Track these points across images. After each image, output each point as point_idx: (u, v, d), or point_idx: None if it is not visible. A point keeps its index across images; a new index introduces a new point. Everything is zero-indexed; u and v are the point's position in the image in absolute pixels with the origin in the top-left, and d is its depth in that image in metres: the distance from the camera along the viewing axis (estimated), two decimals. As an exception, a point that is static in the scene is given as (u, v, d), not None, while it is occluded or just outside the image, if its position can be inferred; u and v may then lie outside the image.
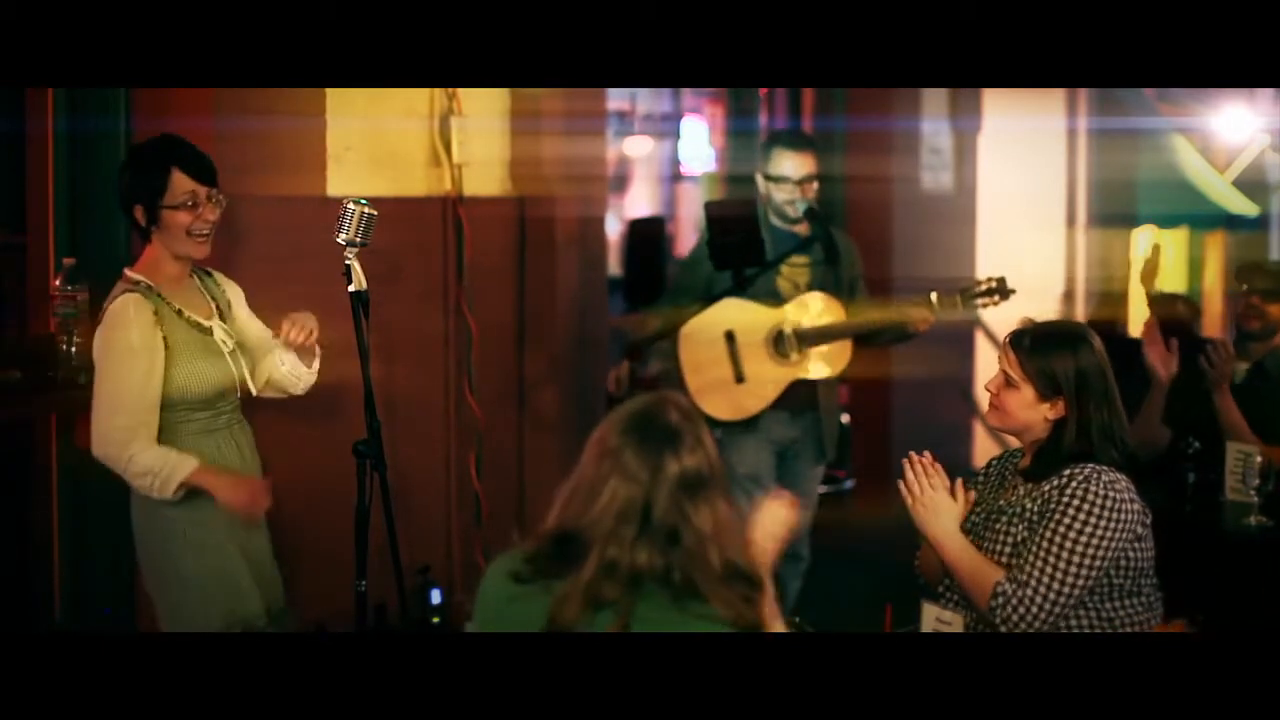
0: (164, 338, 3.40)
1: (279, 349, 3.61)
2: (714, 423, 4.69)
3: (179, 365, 3.42)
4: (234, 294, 3.66)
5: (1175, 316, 5.23)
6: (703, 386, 4.71)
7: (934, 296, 4.73)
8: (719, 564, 2.29)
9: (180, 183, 3.42)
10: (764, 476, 4.86)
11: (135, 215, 3.45)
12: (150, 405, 3.38)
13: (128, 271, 3.49)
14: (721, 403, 4.75)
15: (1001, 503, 3.13)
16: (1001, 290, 4.73)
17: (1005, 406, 3.12)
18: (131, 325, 3.37)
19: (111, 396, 3.37)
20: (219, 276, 3.67)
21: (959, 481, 3.12)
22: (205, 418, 3.47)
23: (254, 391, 3.60)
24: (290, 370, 3.64)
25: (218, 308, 3.59)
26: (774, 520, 2.64)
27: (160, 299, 3.44)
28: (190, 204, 3.43)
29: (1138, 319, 7.35)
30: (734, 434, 4.80)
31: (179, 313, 3.46)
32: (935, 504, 3.07)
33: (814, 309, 4.80)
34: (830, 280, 4.82)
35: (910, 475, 3.09)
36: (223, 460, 3.48)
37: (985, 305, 4.76)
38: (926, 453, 3.14)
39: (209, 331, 3.51)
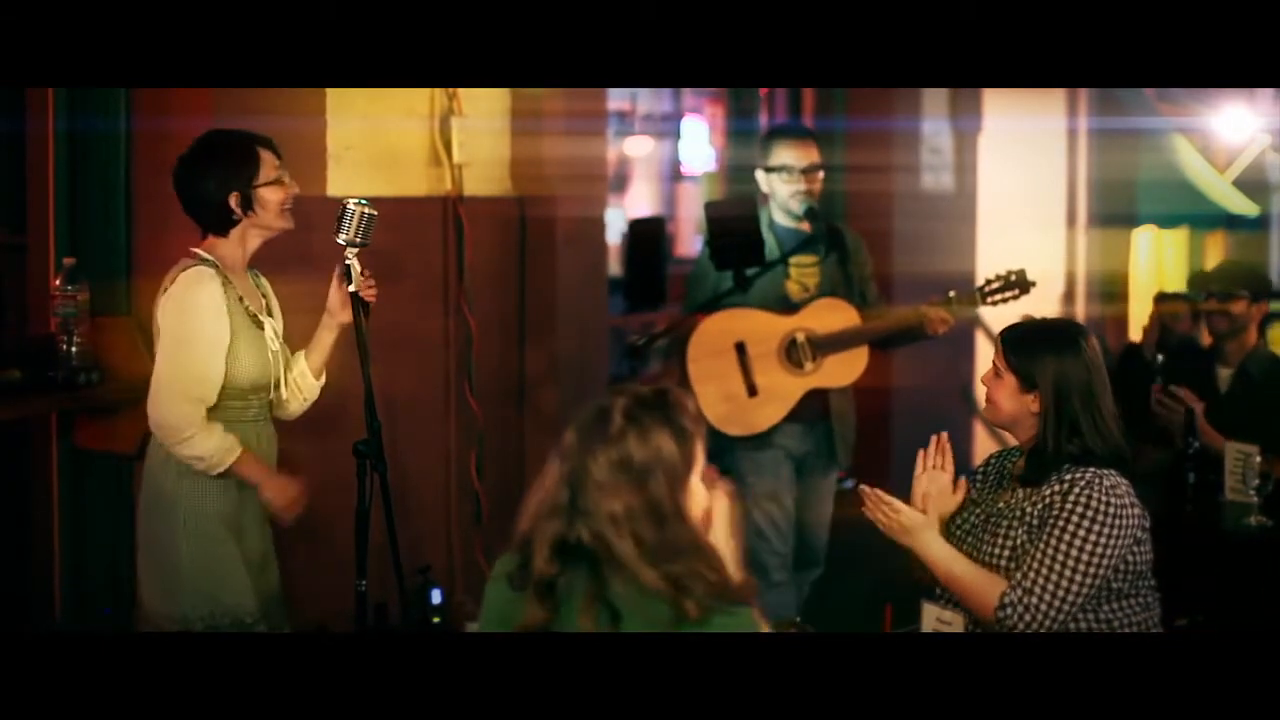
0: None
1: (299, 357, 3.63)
2: (729, 440, 4.59)
3: (231, 351, 3.42)
4: (274, 299, 3.66)
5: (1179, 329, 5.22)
6: (712, 401, 4.54)
7: (952, 295, 4.59)
8: (634, 547, 2.30)
9: (268, 160, 3.46)
10: (783, 494, 4.73)
11: (230, 204, 3.42)
12: (214, 382, 3.39)
13: (193, 249, 3.47)
14: (733, 418, 4.60)
15: (1000, 505, 3.13)
16: (1021, 283, 4.52)
17: (994, 398, 3.14)
18: (205, 292, 3.38)
19: (177, 368, 3.37)
20: (264, 279, 3.66)
21: (948, 477, 3.14)
22: (237, 408, 3.47)
23: (283, 396, 3.59)
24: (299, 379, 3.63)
25: (266, 305, 3.60)
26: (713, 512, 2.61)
27: (226, 280, 3.44)
28: (280, 180, 3.47)
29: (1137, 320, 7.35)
30: (749, 451, 4.66)
31: (240, 299, 3.47)
32: (902, 526, 3.08)
33: (827, 314, 4.63)
34: (840, 279, 4.70)
35: (869, 507, 3.11)
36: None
37: (1006, 299, 4.53)
38: (942, 434, 3.18)
39: (261, 326, 3.51)
